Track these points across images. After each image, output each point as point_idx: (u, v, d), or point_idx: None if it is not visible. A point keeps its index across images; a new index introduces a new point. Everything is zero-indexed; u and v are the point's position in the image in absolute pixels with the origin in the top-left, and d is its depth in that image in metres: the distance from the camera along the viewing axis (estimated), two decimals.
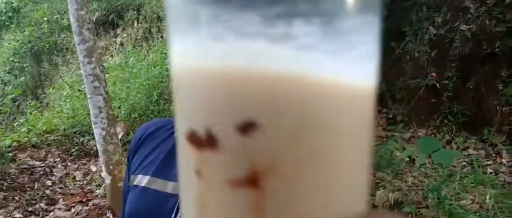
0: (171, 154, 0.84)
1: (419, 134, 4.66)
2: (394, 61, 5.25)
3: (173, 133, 0.88)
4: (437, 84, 4.80)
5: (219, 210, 0.20)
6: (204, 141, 0.20)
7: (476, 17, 4.63)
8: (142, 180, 0.83)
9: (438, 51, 4.92)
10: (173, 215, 0.77)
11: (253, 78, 0.19)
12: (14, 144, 5.06)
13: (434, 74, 4.87)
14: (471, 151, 4.16)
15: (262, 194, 0.19)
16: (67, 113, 6.06)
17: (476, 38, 4.60)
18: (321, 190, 0.21)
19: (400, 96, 5.08)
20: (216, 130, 0.19)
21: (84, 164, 4.72)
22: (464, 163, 3.96)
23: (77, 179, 4.32)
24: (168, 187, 0.80)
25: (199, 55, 0.20)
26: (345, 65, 0.20)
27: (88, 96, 3.63)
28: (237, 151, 0.19)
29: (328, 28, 0.19)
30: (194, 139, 0.20)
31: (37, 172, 4.40)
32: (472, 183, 3.43)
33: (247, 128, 0.19)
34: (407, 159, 3.95)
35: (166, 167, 0.82)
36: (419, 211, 3.06)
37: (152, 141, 0.89)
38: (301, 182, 0.20)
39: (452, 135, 4.51)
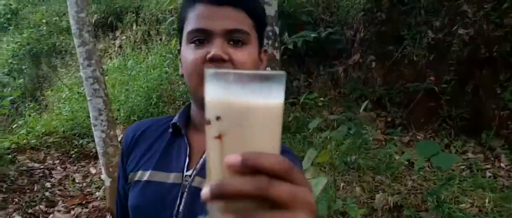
0: (169, 148, 0.90)
1: (418, 137, 4.68)
2: (393, 65, 5.27)
3: (165, 129, 0.94)
4: (436, 88, 4.82)
5: (213, 148, 0.44)
6: (209, 121, 0.44)
7: (474, 22, 4.66)
8: (143, 175, 0.87)
9: (436, 55, 4.94)
10: (177, 202, 0.82)
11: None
12: (13, 146, 5.05)
13: (432, 78, 4.89)
14: (470, 154, 4.18)
15: (222, 142, 0.43)
16: (66, 115, 6.06)
17: (474, 42, 4.62)
18: (247, 144, 0.43)
19: (398, 100, 5.11)
20: (208, 117, 0.44)
21: (84, 166, 4.72)
22: (463, 167, 3.98)
23: (77, 181, 4.32)
24: (170, 177, 0.85)
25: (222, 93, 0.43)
26: (266, 96, 0.44)
27: (88, 98, 3.63)
28: (215, 125, 0.43)
29: (264, 84, 0.44)
30: (207, 122, 0.45)
31: (36, 174, 4.40)
32: (471, 186, 3.45)
33: (218, 118, 0.43)
34: (406, 163, 3.97)
35: (165, 160, 0.88)
36: (418, 215, 3.08)
37: (146, 139, 0.94)
38: (236, 140, 0.43)
39: (451, 139, 4.53)
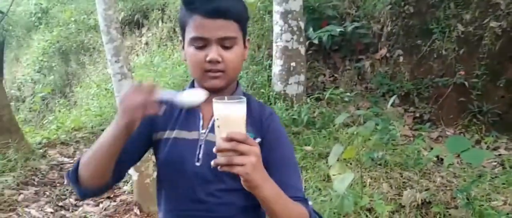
0: (187, 114, 1.19)
1: (447, 133, 4.57)
2: (421, 60, 5.17)
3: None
4: (466, 83, 4.70)
5: (217, 129, 0.91)
6: (217, 118, 0.93)
7: (507, 14, 4.51)
8: (171, 133, 1.17)
9: (466, 49, 4.81)
10: (197, 151, 1.14)
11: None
12: (44, 140, 5.19)
13: (462, 72, 4.76)
14: (502, 151, 4.05)
15: (220, 128, 0.90)
16: (94, 111, 6.19)
17: (507, 35, 4.48)
18: (228, 129, 0.88)
19: (427, 95, 4.99)
20: (215, 117, 0.92)
21: None
22: (495, 163, 3.86)
23: None
24: (191, 135, 1.16)
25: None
26: (236, 110, 0.90)
27: (116, 94, 3.70)
28: (217, 121, 0.91)
29: (236, 104, 0.90)
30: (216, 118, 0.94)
31: (66, 168, 4.50)
32: (503, 183, 3.34)
33: (218, 119, 0.91)
34: (435, 159, 3.88)
35: (186, 122, 1.18)
36: (447, 212, 3.00)
37: (168, 106, 1.14)
38: (224, 128, 0.89)
39: (482, 135, 4.41)
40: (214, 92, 1.10)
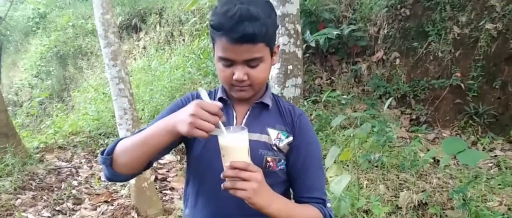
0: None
1: (444, 134, 4.59)
2: (417, 62, 5.19)
3: (213, 99, 1.25)
4: (462, 85, 4.72)
5: (223, 158, 1.04)
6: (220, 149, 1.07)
7: (503, 16, 4.54)
8: None
9: (462, 51, 4.84)
10: None
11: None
12: (42, 145, 5.19)
13: (458, 74, 4.79)
14: (497, 152, 4.07)
15: (224, 157, 1.03)
16: (92, 115, 6.19)
17: (502, 37, 4.50)
18: (231, 159, 1.01)
19: (423, 97, 5.02)
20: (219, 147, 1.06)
21: None
22: (491, 164, 3.87)
23: (102, 179, 4.40)
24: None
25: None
26: (237, 141, 1.02)
27: (113, 98, 3.70)
28: (222, 151, 1.04)
29: (237, 135, 1.03)
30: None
31: (64, 173, 4.51)
32: (499, 184, 3.35)
33: (221, 149, 1.04)
34: (431, 160, 3.89)
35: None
36: (444, 213, 3.01)
37: None
38: (228, 157, 1.02)
39: (478, 136, 4.43)
40: (243, 99, 1.22)
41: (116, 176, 1.14)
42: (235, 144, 1.01)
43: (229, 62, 1.11)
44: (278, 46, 1.21)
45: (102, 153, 1.14)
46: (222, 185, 1.02)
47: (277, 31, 1.25)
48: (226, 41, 1.07)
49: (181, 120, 1.01)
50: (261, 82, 1.18)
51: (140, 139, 1.08)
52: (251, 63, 1.11)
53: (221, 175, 1.01)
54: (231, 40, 1.06)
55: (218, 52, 1.12)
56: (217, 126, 1.00)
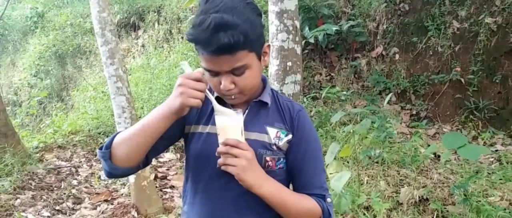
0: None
1: (444, 130, 4.58)
2: (417, 57, 5.17)
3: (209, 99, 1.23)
4: (462, 79, 4.70)
5: (218, 136, 1.11)
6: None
7: (502, 10, 4.52)
8: (204, 128, 1.22)
9: (462, 45, 4.82)
10: None
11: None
12: (41, 144, 5.17)
13: (458, 69, 4.77)
14: (498, 146, 4.06)
15: (220, 134, 1.10)
16: (91, 114, 6.17)
17: (502, 31, 4.48)
18: (226, 136, 1.08)
19: (423, 92, 5.00)
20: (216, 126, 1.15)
21: None
22: (492, 159, 3.86)
23: (102, 178, 4.39)
24: None
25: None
26: (233, 121, 1.09)
27: (112, 96, 3.68)
28: (218, 130, 1.11)
29: (233, 116, 1.09)
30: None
31: (63, 172, 4.49)
32: (500, 179, 3.34)
33: (218, 129, 1.11)
34: (432, 156, 3.88)
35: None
36: (445, 208, 3.00)
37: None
38: (222, 135, 1.09)
39: (479, 131, 4.41)
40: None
41: (115, 169, 1.15)
42: (229, 123, 1.07)
43: (214, 73, 1.10)
44: (269, 45, 1.18)
45: (100, 148, 1.15)
46: (218, 161, 1.08)
47: (265, 30, 1.22)
48: (205, 53, 1.05)
49: (172, 98, 1.05)
50: (251, 88, 1.15)
51: (138, 128, 1.10)
52: (235, 72, 1.08)
53: (216, 153, 1.07)
54: (208, 52, 1.04)
55: (202, 63, 1.11)
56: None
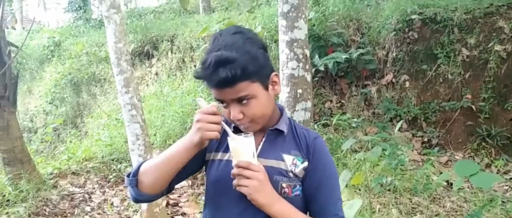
0: None
1: (456, 157, 4.55)
2: (427, 84, 5.19)
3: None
4: (473, 107, 4.70)
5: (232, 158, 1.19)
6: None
7: (511, 37, 4.55)
8: (223, 155, 1.28)
9: (472, 72, 4.84)
10: None
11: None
12: (55, 171, 5.26)
13: (469, 96, 4.78)
14: None
15: (233, 157, 1.17)
16: (105, 141, 6.25)
17: None
18: (238, 158, 1.15)
19: (434, 120, 5.00)
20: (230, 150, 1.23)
21: (122, 190, 4.84)
22: (506, 187, 3.83)
23: (115, 205, 4.43)
24: None
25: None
26: (243, 143, 1.15)
27: (126, 124, 3.76)
28: (231, 154, 1.19)
29: (244, 139, 1.16)
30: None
31: (77, 198, 4.55)
32: None
33: (231, 151, 1.19)
34: (445, 183, 3.86)
35: None
36: None
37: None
38: (235, 157, 1.16)
39: (492, 158, 4.38)
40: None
41: (142, 196, 1.22)
42: (240, 147, 1.15)
43: (223, 103, 1.18)
44: (277, 74, 1.23)
45: (128, 176, 1.23)
46: (233, 183, 1.16)
47: (275, 58, 1.36)
48: (210, 87, 1.15)
49: (192, 132, 1.14)
50: (262, 116, 1.19)
51: (162, 159, 1.19)
52: (241, 101, 1.15)
53: (231, 175, 1.16)
54: (212, 87, 1.13)
55: (212, 94, 1.19)
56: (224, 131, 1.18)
